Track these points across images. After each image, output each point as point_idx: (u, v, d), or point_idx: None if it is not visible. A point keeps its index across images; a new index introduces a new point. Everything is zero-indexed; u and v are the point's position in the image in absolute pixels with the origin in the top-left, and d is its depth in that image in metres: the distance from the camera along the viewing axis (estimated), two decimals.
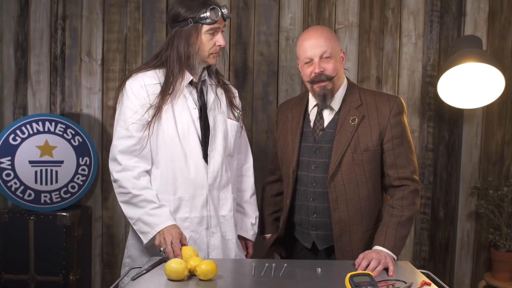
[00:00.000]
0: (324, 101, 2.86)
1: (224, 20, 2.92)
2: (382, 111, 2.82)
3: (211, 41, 2.89)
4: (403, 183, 2.82)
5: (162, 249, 2.68)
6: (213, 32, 2.88)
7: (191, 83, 2.97)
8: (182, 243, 2.71)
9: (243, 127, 3.24)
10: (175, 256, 2.61)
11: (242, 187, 3.27)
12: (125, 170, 2.86)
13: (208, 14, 2.84)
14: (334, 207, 2.83)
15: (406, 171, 2.82)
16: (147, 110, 2.86)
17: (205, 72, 3.02)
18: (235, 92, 3.22)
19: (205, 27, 2.87)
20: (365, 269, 2.49)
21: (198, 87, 3.01)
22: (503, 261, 3.78)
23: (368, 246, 2.79)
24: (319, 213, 2.89)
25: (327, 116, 2.91)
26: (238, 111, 3.16)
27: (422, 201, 3.96)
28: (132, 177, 2.84)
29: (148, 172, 2.93)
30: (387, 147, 2.82)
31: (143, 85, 2.90)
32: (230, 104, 3.12)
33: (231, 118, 3.10)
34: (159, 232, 2.74)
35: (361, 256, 2.59)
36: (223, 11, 2.88)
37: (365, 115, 2.83)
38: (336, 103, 2.90)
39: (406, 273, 2.49)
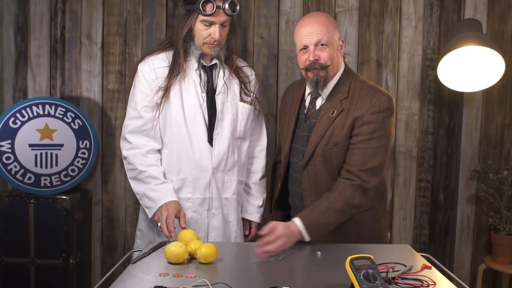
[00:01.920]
0: (316, 87, 2.83)
1: (227, 15, 2.92)
2: (361, 107, 2.76)
3: (205, 31, 2.94)
4: (347, 176, 2.74)
5: (158, 225, 2.78)
6: (209, 24, 2.91)
7: (202, 66, 3.02)
8: (179, 220, 2.78)
9: (260, 110, 3.27)
10: (168, 232, 2.69)
11: (253, 169, 3.32)
12: (134, 148, 3.00)
13: (201, 6, 2.87)
14: (307, 196, 2.85)
15: (353, 168, 2.73)
16: (156, 92, 2.97)
17: (219, 55, 3.05)
18: (251, 74, 3.26)
19: (200, 17, 2.92)
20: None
21: (209, 70, 3.04)
22: (503, 244, 3.79)
23: (342, 237, 2.80)
24: None
25: (319, 105, 2.91)
26: (252, 94, 3.18)
27: (422, 185, 3.97)
28: (140, 155, 2.98)
29: (158, 151, 3.05)
30: (351, 141, 2.76)
31: (152, 68, 3.02)
32: (243, 87, 3.14)
33: (243, 101, 3.13)
34: (160, 207, 2.82)
35: (270, 228, 2.54)
36: (225, 6, 2.89)
37: (345, 109, 2.78)
38: (326, 92, 2.88)
39: (407, 256, 2.50)
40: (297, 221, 2.61)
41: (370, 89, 2.82)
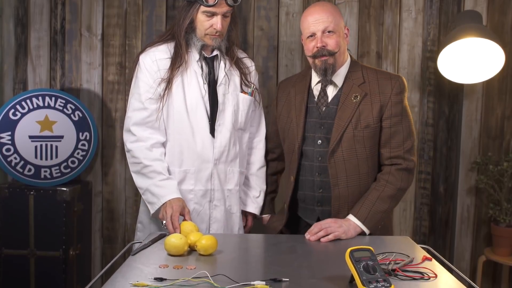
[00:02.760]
0: (325, 76, 2.85)
1: (229, 5, 2.91)
2: (384, 89, 2.83)
3: (207, 22, 2.92)
4: (393, 162, 2.85)
5: (163, 222, 2.73)
6: (211, 15, 2.89)
7: (203, 58, 3.01)
8: (184, 217, 2.75)
9: (259, 101, 3.26)
10: (173, 230, 2.64)
11: (251, 160, 3.30)
12: (138, 141, 2.94)
13: None
14: (334, 183, 2.85)
15: (398, 151, 2.83)
16: (159, 84, 2.94)
17: (221, 46, 3.03)
18: (251, 65, 3.25)
19: (202, 8, 2.89)
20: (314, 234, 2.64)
21: (210, 62, 3.03)
22: (503, 236, 3.79)
23: None
24: (325, 188, 2.90)
25: (331, 92, 2.92)
26: (252, 85, 3.18)
27: (422, 176, 3.97)
28: (145, 148, 2.92)
29: (163, 144, 3.00)
30: (385, 124, 2.83)
31: (154, 60, 2.99)
32: (244, 78, 3.14)
33: (244, 93, 3.12)
34: (163, 204, 2.80)
35: (317, 223, 2.71)
36: None
37: (367, 93, 2.84)
38: (339, 79, 2.90)
39: (407, 248, 2.48)
40: (351, 217, 2.74)
41: (384, 73, 2.94)
